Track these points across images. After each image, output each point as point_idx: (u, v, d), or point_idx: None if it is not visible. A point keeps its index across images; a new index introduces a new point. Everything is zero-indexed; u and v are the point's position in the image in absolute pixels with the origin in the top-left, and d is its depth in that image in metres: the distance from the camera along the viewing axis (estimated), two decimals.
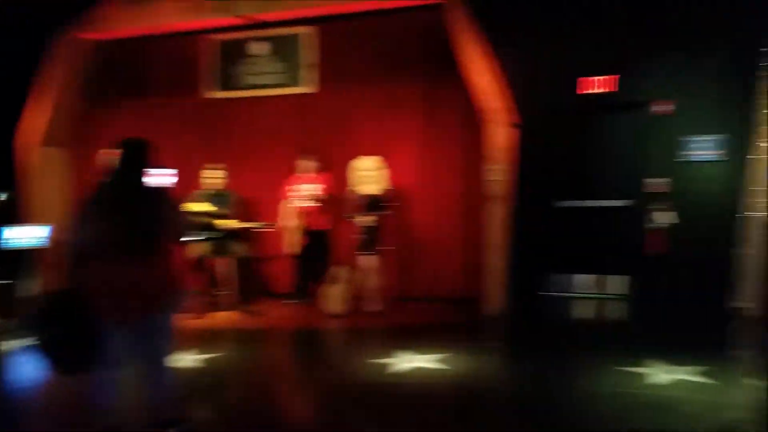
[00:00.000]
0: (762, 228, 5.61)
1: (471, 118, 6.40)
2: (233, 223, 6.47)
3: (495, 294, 6.17)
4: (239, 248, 6.57)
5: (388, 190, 6.42)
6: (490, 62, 6.05)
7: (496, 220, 6.17)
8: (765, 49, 5.51)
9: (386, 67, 7.04)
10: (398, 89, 7.02)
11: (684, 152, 6.04)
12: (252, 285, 6.92)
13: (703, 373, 4.19)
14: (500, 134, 6.13)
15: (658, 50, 6.04)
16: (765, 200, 5.52)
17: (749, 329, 5.38)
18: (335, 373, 4.66)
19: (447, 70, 6.44)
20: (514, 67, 6.15)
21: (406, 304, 6.75)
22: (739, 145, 5.75)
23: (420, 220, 7.00)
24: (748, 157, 5.68)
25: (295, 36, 7.41)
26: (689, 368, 4.27)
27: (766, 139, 5.56)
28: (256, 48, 7.58)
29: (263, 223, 6.72)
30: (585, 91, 6.31)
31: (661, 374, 4.20)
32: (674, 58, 5.99)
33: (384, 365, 4.61)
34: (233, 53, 7.63)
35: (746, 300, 5.63)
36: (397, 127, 7.05)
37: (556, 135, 6.37)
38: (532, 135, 6.22)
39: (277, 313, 6.60)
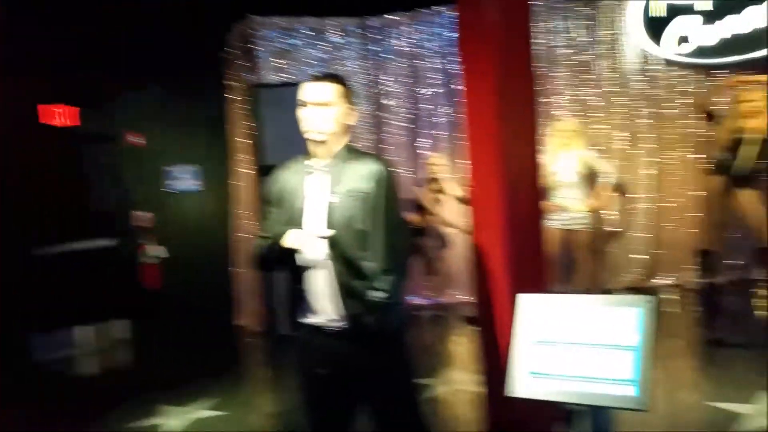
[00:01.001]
0: (251, 248, 6.01)
1: None
2: None
3: None
4: None
5: None
6: None
7: None
8: (228, 83, 5.91)
9: None
10: None
11: (168, 183, 6.10)
12: None
13: (216, 406, 4.06)
14: None
15: (131, 83, 5.79)
16: (251, 222, 5.87)
17: (252, 345, 5.64)
18: None
19: None
20: None
21: None
22: (221, 174, 6.03)
23: None
24: (230, 183, 5.99)
25: None
26: (202, 403, 4.09)
27: (243, 167, 5.94)
28: None
29: None
30: (52, 123, 5.61)
31: (177, 418, 3.90)
32: (151, 92, 5.89)
33: None
34: None
35: (247, 317, 5.92)
36: None
37: (26, 173, 5.42)
38: None
39: None
